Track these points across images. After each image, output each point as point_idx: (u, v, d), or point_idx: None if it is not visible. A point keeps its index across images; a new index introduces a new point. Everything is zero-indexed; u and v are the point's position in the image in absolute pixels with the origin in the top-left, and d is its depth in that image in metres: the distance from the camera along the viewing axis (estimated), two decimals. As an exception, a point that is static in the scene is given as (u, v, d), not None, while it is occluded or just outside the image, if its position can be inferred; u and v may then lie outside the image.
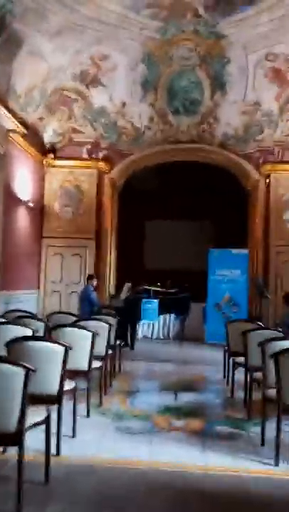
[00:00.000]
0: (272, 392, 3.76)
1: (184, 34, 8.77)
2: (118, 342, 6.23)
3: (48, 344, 3.44)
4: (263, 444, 3.79)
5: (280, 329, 5.22)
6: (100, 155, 10.17)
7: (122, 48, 8.82)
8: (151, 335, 9.87)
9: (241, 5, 8.12)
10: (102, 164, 10.11)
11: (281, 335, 4.76)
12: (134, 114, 9.86)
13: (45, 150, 9.84)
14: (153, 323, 9.59)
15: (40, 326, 4.98)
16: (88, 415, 4.41)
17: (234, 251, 9.83)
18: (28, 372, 2.67)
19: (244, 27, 8.47)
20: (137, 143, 10.15)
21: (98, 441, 3.81)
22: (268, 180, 10.08)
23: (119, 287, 9.87)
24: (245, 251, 9.98)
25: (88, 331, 4.41)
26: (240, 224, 11.25)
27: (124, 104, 9.68)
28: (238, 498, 2.93)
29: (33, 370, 2.68)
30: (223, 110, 9.78)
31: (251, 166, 10.24)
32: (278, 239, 9.89)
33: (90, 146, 10.10)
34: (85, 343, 4.35)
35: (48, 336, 4.48)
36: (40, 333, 4.80)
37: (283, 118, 9.70)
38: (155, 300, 8.25)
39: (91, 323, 4.94)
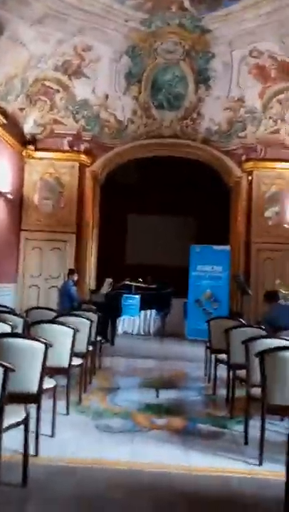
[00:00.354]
0: (256, 391, 3.73)
1: (169, 27, 8.67)
2: (98, 338, 6.12)
3: (28, 341, 3.32)
4: (246, 442, 3.76)
5: (262, 327, 5.19)
6: (82, 147, 9.99)
7: (106, 39, 8.66)
8: (132, 331, 9.79)
9: (227, 0, 8.06)
10: (83, 157, 9.94)
11: (264, 333, 4.75)
12: (117, 107, 9.72)
13: (25, 141, 9.62)
14: (134, 319, 9.50)
15: (18, 322, 4.84)
16: (68, 413, 4.30)
17: (216, 247, 9.80)
18: (7, 372, 2.54)
19: (229, 22, 8.41)
20: (120, 136, 10.02)
21: (78, 441, 3.71)
22: (250, 178, 10.10)
23: (99, 282, 9.74)
24: (226, 247, 9.98)
25: (69, 327, 4.29)
26: (222, 220, 11.23)
27: (107, 97, 9.54)
28: (222, 498, 2.87)
29: (12, 370, 2.55)
30: (206, 106, 9.74)
31: (234, 162, 10.24)
32: (260, 236, 9.92)
33: (71, 138, 9.91)
34: (65, 340, 4.23)
35: (27, 332, 4.34)
36: (19, 330, 4.66)
37: (266, 115, 9.72)
38: (136, 296, 8.15)
39: (72, 319, 4.82)
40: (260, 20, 8.10)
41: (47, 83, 9.09)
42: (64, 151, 9.88)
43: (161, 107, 9.74)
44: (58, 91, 9.28)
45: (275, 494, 2.87)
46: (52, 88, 9.21)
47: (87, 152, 10.04)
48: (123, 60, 9.06)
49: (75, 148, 9.95)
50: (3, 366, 2.55)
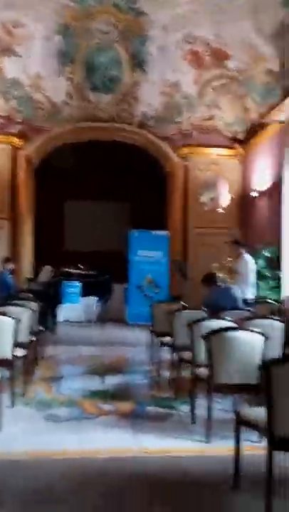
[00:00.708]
0: (201, 372, 3.83)
1: (103, 7, 8.47)
2: (39, 327, 5.97)
3: None
4: (193, 422, 3.85)
5: (204, 309, 5.32)
6: (14, 130, 9.55)
7: (36, 16, 8.28)
8: (73, 318, 9.66)
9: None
10: (15, 140, 9.53)
11: (206, 315, 4.88)
12: (51, 88, 9.39)
13: None
14: (74, 306, 9.38)
15: None
16: (12, 405, 4.16)
17: (154, 232, 9.90)
18: None
19: (164, 6, 8.38)
20: (54, 119, 9.71)
21: (25, 433, 3.60)
22: (186, 163, 10.23)
23: (37, 270, 9.48)
24: (164, 233, 10.10)
25: (10, 317, 4.12)
26: (159, 206, 11.34)
27: (39, 77, 9.17)
28: (174, 478, 2.92)
29: None
30: (142, 90, 9.69)
31: (170, 147, 10.32)
32: (196, 221, 10.14)
33: (1, 120, 9.44)
34: (6, 331, 4.07)
35: None
36: None
37: (201, 102, 9.85)
38: (77, 283, 8.03)
39: (12, 309, 4.63)
40: (195, 5, 8.15)
41: (-27, 60, 8.58)
42: (-6, 133, 9.42)
43: (96, 89, 9.56)
44: (-14, 69, 8.80)
45: (224, 469, 2.98)
46: (-21, 66, 8.71)
47: (19, 135, 9.63)
48: (56, 39, 8.74)
49: (6, 131, 9.50)
50: None
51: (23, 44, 8.67)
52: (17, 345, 4.26)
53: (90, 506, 2.59)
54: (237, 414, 2.93)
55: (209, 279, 5.60)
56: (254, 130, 9.46)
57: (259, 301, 6.60)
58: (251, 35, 7.93)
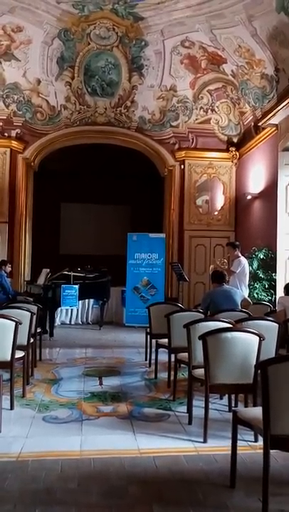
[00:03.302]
0: (198, 372, 3.89)
1: (102, 12, 8.55)
2: (38, 330, 6.02)
3: None
4: (190, 422, 3.91)
5: (201, 310, 5.39)
6: (13, 133, 9.62)
7: (37, 21, 8.36)
8: (70, 321, 9.72)
9: (159, -13, 8.09)
10: (15, 143, 9.61)
11: (202, 316, 4.95)
12: (50, 92, 9.50)
13: None
14: (72, 309, 9.43)
15: None
16: (12, 408, 4.21)
17: (151, 235, 9.98)
18: None
19: (161, 11, 8.46)
20: (53, 122, 9.81)
21: (25, 435, 3.64)
22: (182, 166, 10.34)
23: (35, 273, 9.53)
24: (162, 235, 10.18)
25: (11, 320, 4.18)
26: (156, 209, 11.42)
27: (39, 81, 9.28)
28: (173, 477, 2.98)
29: None
30: (140, 94, 9.80)
31: (167, 151, 10.42)
32: (191, 223, 10.27)
33: (1, 124, 9.51)
34: (7, 333, 4.12)
35: None
36: None
37: (197, 105, 9.97)
38: (75, 286, 8.09)
39: (13, 312, 4.69)
40: (191, 10, 8.23)
41: (-26, 65, 8.64)
42: (-6, 137, 9.49)
43: (94, 93, 9.65)
44: (-14, 73, 8.87)
45: (221, 469, 3.05)
46: (-21, 70, 8.77)
47: (19, 138, 9.70)
48: (55, 43, 8.82)
49: (6, 134, 9.57)
50: None
51: (23, 48, 8.74)
52: (17, 347, 4.31)
53: (89, 506, 2.63)
54: (234, 413, 2.99)
55: (220, 277, 5.55)
56: (249, 133, 9.57)
57: (254, 302, 6.68)
58: (247, 40, 8.01)
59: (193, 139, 10.29)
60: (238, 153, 10.13)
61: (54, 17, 8.35)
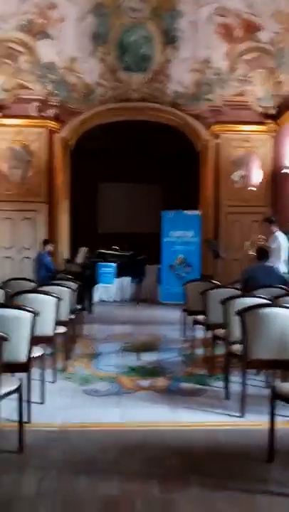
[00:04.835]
0: (235, 348, 3.91)
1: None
2: (78, 306, 6.19)
3: (15, 311, 3.32)
4: (227, 397, 3.96)
5: (237, 286, 5.36)
6: (50, 113, 9.68)
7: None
8: (108, 298, 9.90)
9: None
10: (52, 123, 9.68)
11: (239, 292, 4.92)
12: (85, 70, 9.41)
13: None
14: (109, 287, 9.60)
15: (-1, 294, 4.81)
16: (54, 380, 4.39)
17: (186, 212, 9.91)
18: (1, 341, 2.57)
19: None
20: (88, 100, 9.75)
21: (67, 406, 3.81)
22: (217, 141, 10.11)
23: (73, 251, 9.71)
24: (197, 212, 10.09)
25: (52, 296, 4.31)
26: (192, 185, 11.29)
27: (73, 59, 9.20)
28: (210, 449, 3.05)
29: (5, 339, 2.58)
30: (174, 67, 9.56)
31: (202, 125, 10.20)
32: (227, 199, 10.07)
33: (39, 104, 9.58)
34: (49, 309, 4.26)
35: (11, 302, 4.33)
36: (1, 301, 4.64)
37: (232, 77, 9.64)
38: (112, 264, 8.21)
39: (54, 289, 4.83)
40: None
41: (10, 44, 8.67)
42: (32, 117, 9.58)
43: (128, 69, 9.51)
44: (22, 53, 8.88)
45: (258, 443, 3.09)
46: (15, 50, 8.79)
47: (55, 118, 9.76)
48: (88, 19, 8.71)
49: (43, 114, 9.64)
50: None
51: (57, 26, 8.69)
52: (58, 323, 4.46)
53: (129, 475, 2.73)
54: (272, 388, 3.00)
55: (263, 253, 5.53)
56: (287, 105, 9.22)
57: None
58: (283, 4, 7.65)
59: (228, 112, 10.01)
60: (275, 126, 9.80)
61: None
